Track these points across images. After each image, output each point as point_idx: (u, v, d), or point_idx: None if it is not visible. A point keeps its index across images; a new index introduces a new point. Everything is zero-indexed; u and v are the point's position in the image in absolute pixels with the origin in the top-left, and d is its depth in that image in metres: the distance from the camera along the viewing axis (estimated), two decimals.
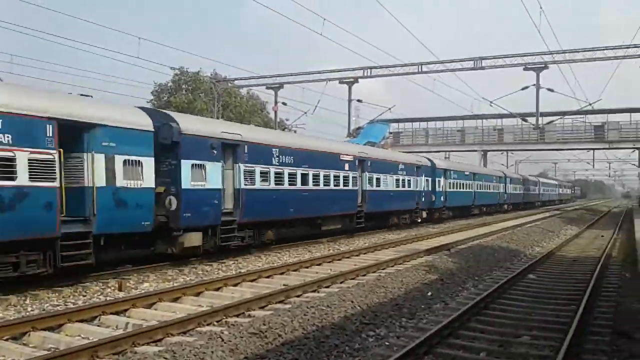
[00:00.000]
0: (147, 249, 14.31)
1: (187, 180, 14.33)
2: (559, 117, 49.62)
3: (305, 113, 43.18)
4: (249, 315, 9.36)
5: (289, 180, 18.75)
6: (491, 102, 41.56)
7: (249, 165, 16.73)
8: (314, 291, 11.47)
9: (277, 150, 18.21)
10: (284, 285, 11.97)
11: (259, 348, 7.39)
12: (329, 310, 9.38)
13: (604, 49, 36.62)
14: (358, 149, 25.09)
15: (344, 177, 22.44)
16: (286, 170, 18.60)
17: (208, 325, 8.71)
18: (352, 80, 43.36)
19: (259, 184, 17.10)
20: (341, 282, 12.47)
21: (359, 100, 45.99)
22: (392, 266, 14.92)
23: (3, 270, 10.36)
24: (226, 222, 15.84)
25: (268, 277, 13.23)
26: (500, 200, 49.85)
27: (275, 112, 47.03)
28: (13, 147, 10.24)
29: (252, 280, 12.68)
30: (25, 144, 10.46)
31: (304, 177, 19.72)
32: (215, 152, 15.32)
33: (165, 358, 6.62)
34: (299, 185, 19.32)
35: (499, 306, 10.38)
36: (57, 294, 11.01)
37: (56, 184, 11.01)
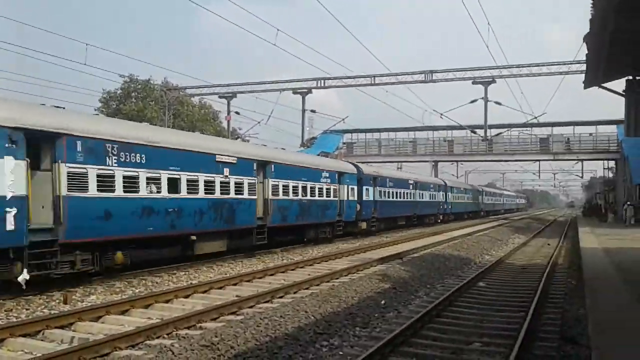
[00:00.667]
0: None
1: None
2: (506, 129, 51.23)
3: (259, 123, 43.14)
4: (201, 327, 9.16)
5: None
6: (442, 114, 42.54)
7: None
8: (267, 302, 11.35)
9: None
10: (236, 296, 11.81)
11: None
12: (283, 321, 9.27)
13: (548, 65, 38.04)
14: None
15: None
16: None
17: (158, 338, 8.48)
18: (305, 90, 43.63)
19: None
20: (295, 293, 12.38)
21: (312, 111, 46.36)
22: (346, 275, 14.94)
23: None
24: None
25: (220, 288, 13.01)
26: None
27: (228, 121, 46.78)
28: None
29: (203, 292, 12.44)
30: None
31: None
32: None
33: None
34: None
35: (451, 314, 10.50)
36: None
37: None
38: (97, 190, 13.06)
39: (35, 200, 11.89)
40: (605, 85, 12.10)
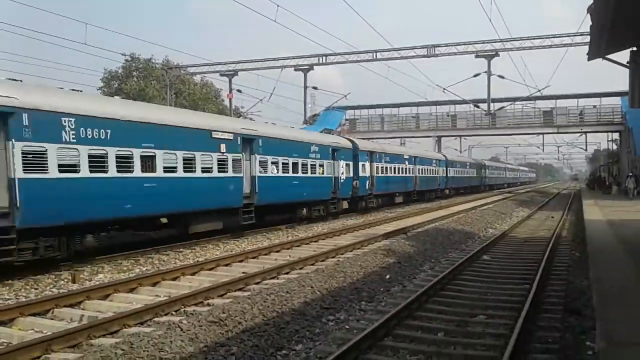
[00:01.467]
0: None
1: None
2: (509, 103, 50.88)
3: (261, 100, 43.00)
4: (208, 304, 9.27)
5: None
6: (444, 88, 42.30)
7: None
8: (273, 278, 11.45)
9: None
10: (243, 272, 11.91)
11: (219, 336, 7.32)
12: (289, 297, 9.37)
13: (552, 37, 37.62)
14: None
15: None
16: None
17: (166, 315, 8.59)
18: (307, 67, 43.26)
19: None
20: (300, 268, 12.48)
21: (314, 88, 46.11)
22: (351, 251, 15.02)
23: None
24: None
25: (226, 265, 13.12)
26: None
27: (230, 99, 46.55)
28: None
29: (210, 269, 12.56)
30: None
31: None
32: None
33: (122, 350, 6.48)
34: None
35: (455, 287, 10.58)
36: (7, 288, 10.65)
37: None
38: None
39: None
40: (609, 56, 11.99)
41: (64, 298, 9.39)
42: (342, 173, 26.73)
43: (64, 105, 12.31)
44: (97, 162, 12.97)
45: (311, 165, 23.62)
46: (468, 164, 60.87)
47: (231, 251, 15.62)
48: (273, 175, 20.62)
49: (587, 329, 7.73)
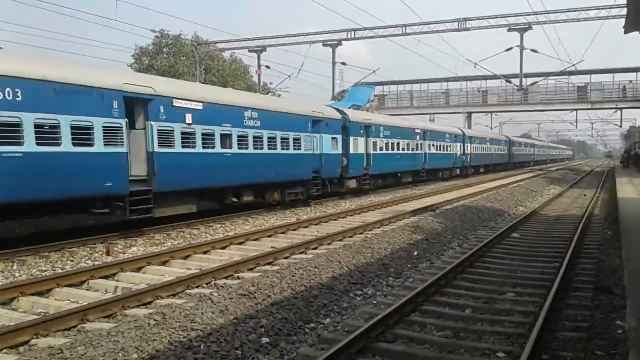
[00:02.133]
0: None
1: None
2: (542, 78, 49.86)
3: (289, 76, 42.86)
4: (238, 277, 9.43)
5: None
6: (475, 63, 41.58)
7: None
8: (301, 253, 11.57)
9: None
10: (271, 247, 12.06)
11: (248, 309, 7.47)
12: (317, 271, 9.48)
13: (587, 9, 36.57)
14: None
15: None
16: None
17: (197, 287, 8.78)
18: (335, 42, 42.94)
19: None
20: (328, 244, 12.57)
21: (342, 63, 45.72)
22: (379, 227, 15.06)
23: None
24: None
25: (255, 239, 13.29)
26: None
27: (259, 75, 46.58)
28: None
29: (239, 243, 12.74)
30: None
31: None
32: None
33: (155, 320, 6.67)
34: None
35: (483, 264, 10.54)
36: (44, 260, 10.99)
37: None
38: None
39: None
40: None
41: (99, 270, 9.66)
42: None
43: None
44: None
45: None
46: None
47: (260, 226, 15.80)
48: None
49: (617, 308, 7.65)
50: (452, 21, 38.72)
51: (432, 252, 12.06)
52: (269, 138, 18.85)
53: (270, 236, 13.83)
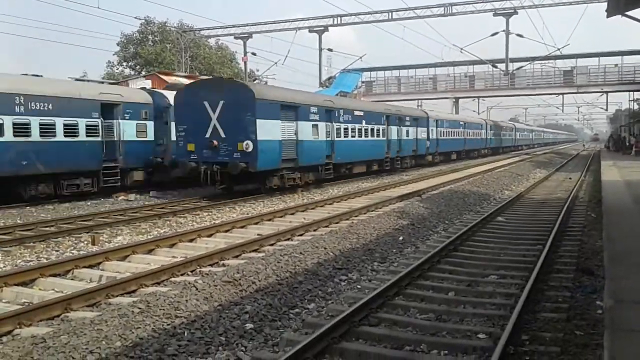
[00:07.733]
0: None
1: None
2: (528, 62, 50.01)
3: (276, 63, 42.98)
4: (223, 265, 9.45)
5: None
6: (462, 48, 41.72)
7: None
8: (287, 240, 11.59)
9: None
10: (257, 234, 12.05)
11: (233, 295, 7.49)
12: (302, 258, 9.51)
13: None
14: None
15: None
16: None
17: (182, 275, 8.79)
18: (321, 28, 42.82)
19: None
20: (314, 230, 12.61)
21: (329, 49, 45.62)
22: (365, 213, 15.11)
23: None
24: None
25: (242, 227, 13.29)
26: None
27: (245, 62, 46.35)
28: None
29: (226, 231, 12.74)
30: None
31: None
32: None
33: (139, 308, 6.68)
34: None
35: (467, 248, 10.64)
36: (29, 250, 10.93)
37: None
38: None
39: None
40: (628, 13, 11.66)
41: (84, 259, 9.61)
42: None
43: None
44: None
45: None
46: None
47: (247, 214, 15.79)
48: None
49: (598, 289, 7.76)
50: (437, 6, 38.74)
51: (418, 237, 12.14)
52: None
53: (256, 223, 13.82)
